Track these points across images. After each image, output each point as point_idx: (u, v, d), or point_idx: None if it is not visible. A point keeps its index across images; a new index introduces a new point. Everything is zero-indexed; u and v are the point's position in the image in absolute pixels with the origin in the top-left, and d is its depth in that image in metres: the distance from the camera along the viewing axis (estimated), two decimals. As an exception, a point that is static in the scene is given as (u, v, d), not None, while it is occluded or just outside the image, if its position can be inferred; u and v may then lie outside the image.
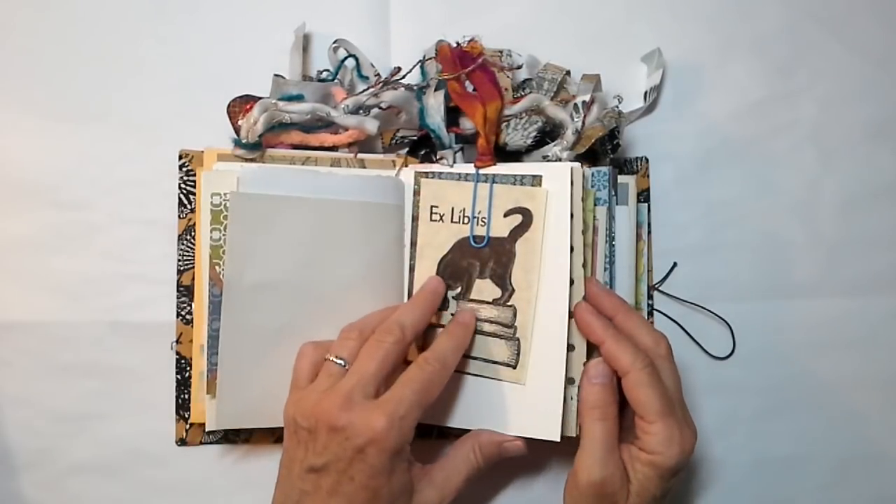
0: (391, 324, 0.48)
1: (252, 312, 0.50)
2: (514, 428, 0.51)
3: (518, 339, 0.51)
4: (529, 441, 0.51)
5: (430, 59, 0.55)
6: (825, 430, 0.59)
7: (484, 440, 0.51)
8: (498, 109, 0.52)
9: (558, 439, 0.49)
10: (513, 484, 0.57)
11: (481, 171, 0.52)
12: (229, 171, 0.52)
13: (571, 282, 0.50)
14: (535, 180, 0.51)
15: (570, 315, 0.50)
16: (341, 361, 0.47)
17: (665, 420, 0.46)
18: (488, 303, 0.52)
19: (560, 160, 0.53)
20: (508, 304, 0.51)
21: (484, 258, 0.52)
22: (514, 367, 0.51)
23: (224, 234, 0.51)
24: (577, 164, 0.51)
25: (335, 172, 0.53)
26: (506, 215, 0.52)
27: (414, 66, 0.55)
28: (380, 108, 0.54)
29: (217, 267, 0.52)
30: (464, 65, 0.53)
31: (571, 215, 0.50)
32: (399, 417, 0.44)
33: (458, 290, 0.53)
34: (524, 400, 0.51)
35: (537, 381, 0.50)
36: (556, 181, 0.51)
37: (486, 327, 0.52)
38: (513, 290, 0.51)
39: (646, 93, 0.59)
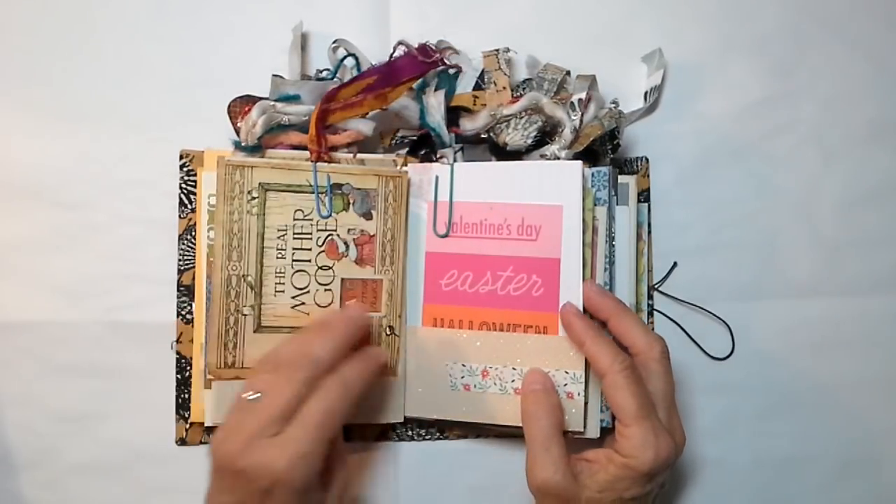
0: (302, 358, 0.45)
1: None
2: None
3: None
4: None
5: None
6: (825, 430, 0.59)
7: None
8: (317, 110, 0.51)
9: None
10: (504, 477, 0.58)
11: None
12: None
13: None
14: None
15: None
16: (254, 396, 0.44)
17: (640, 424, 0.46)
18: None
19: (558, 159, 0.53)
20: None
21: None
22: None
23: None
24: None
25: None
26: None
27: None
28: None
29: (213, 264, 0.52)
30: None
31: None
32: (300, 456, 0.42)
33: None
34: None
35: None
36: None
37: None
38: None
39: (646, 93, 0.59)
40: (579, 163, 0.52)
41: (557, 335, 0.52)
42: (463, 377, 0.53)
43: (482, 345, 0.53)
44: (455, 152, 0.55)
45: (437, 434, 0.57)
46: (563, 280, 0.52)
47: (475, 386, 0.53)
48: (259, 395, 0.44)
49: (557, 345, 0.52)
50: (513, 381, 0.52)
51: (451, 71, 0.56)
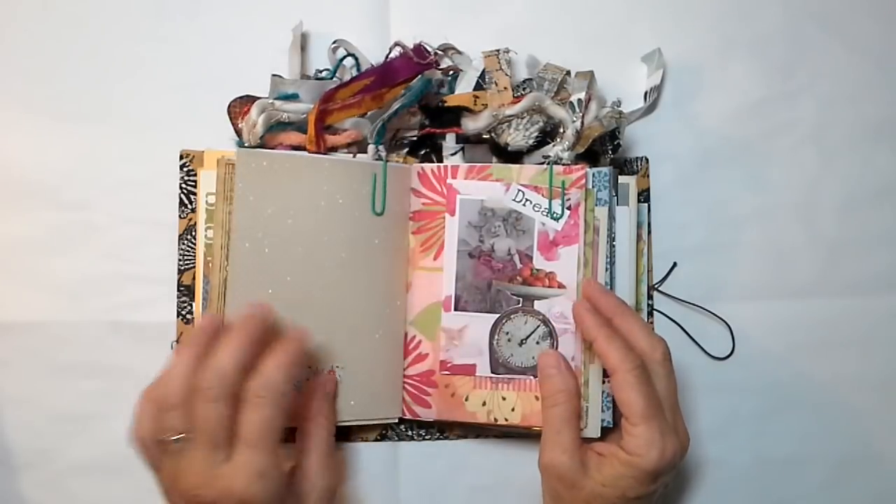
0: (210, 377, 0.43)
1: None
2: None
3: None
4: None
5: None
6: (825, 430, 0.59)
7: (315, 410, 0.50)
8: (316, 110, 0.52)
9: None
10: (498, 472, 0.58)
11: None
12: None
13: None
14: None
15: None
16: (177, 437, 0.43)
17: (648, 423, 0.46)
18: None
19: (561, 160, 0.53)
20: None
21: None
22: None
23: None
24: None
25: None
26: None
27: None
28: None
29: (210, 263, 0.52)
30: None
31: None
32: (258, 475, 0.42)
33: None
34: None
35: None
36: None
37: None
38: None
39: (646, 93, 0.59)
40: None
41: None
42: None
43: None
44: (455, 152, 0.55)
45: (438, 434, 0.57)
46: None
47: None
48: (182, 435, 0.42)
49: None
50: None
51: (450, 73, 0.56)
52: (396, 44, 0.55)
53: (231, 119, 0.53)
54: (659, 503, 0.50)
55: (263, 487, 0.43)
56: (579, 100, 0.53)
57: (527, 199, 0.53)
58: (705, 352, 0.59)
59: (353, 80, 0.53)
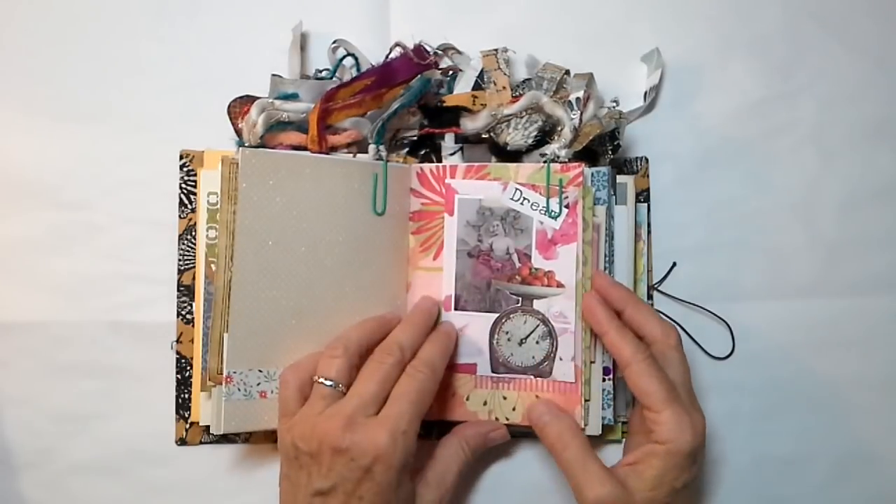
0: (391, 344, 0.48)
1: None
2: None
3: None
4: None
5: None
6: (825, 430, 0.59)
7: (470, 433, 0.52)
8: (318, 109, 0.52)
9: None
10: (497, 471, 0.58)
11: None
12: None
13: None
14: None
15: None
16: (330, 383, 0.47)
17: (672, 406, 0.46)
18: None
19: (558, 158, 0.53)
20: None
21: None
22: None
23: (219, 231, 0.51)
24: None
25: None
26: None
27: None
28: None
29: (212, 265, 0.52)
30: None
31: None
32: (402, 432, 0.45)
33: None
34: None
35: None
36: None
37: None
38: None
39: (645, 93, 0.59)
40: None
41: None
42: None
43: None
44: (454, 152, 0.55)
45: (438, 434, 0.57)
46: None
47: None
48: (333, 382, 0.47)
49: None
50: None
51: (449, 73, 0.56)
52: (397, 44, 0.55)
53: (231, 119, 0.54)
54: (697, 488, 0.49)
55: (404, 445, 0.45)
56: (577, 98, 0.53)
57: (524, 198, 0.53)
58: (705, 352, 0.59)
59: (354, 79, 0.53)
